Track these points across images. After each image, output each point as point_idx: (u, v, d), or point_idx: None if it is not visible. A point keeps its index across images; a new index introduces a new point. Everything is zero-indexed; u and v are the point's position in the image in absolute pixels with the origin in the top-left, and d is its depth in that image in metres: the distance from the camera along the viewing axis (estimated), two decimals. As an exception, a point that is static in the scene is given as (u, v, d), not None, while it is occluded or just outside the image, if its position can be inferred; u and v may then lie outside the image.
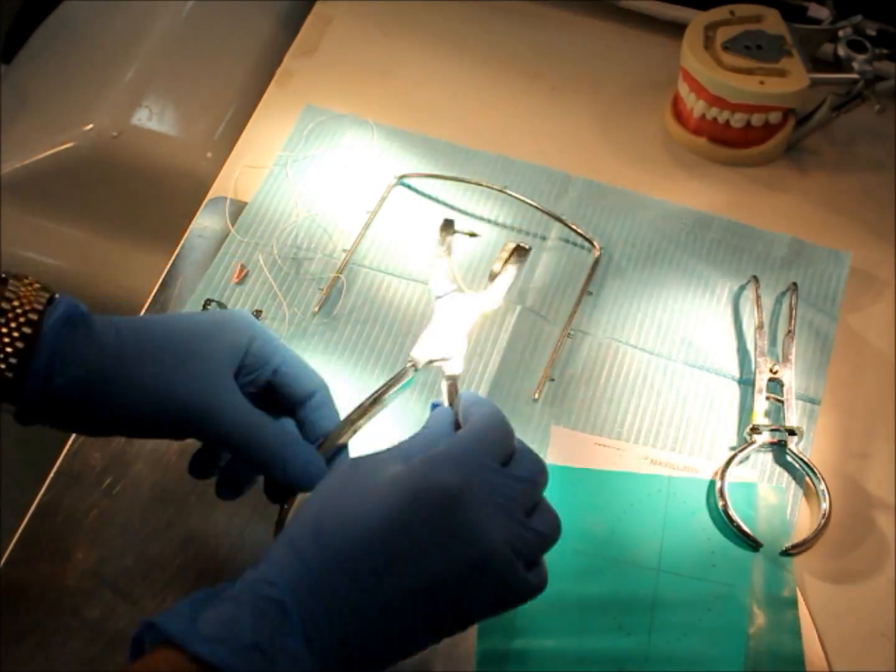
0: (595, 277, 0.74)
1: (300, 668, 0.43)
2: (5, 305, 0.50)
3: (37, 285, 0.52)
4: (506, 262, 0.62)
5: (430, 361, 0.58)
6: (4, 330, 0.49)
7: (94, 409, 0.52)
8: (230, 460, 0.58)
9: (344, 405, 0.68)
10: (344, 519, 0.46)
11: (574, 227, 0.76)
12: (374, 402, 0.57)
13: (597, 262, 0.74)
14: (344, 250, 0.74)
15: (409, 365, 0.58)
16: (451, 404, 0.54)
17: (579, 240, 0.76)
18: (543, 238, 0.76)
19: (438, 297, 0.61)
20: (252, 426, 0.53)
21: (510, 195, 0.77)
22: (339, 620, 0.44)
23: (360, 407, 0.57)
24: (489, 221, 0.77)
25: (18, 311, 0.50)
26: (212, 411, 0.52)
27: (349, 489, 0.48)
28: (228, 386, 0.53)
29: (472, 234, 0.71)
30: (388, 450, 0.51)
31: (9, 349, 0.49)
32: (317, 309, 0.71)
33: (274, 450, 0.53)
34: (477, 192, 0.78)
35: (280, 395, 0.56)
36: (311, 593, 0.44)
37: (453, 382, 0.56)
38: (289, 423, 0.57)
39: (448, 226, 0.65)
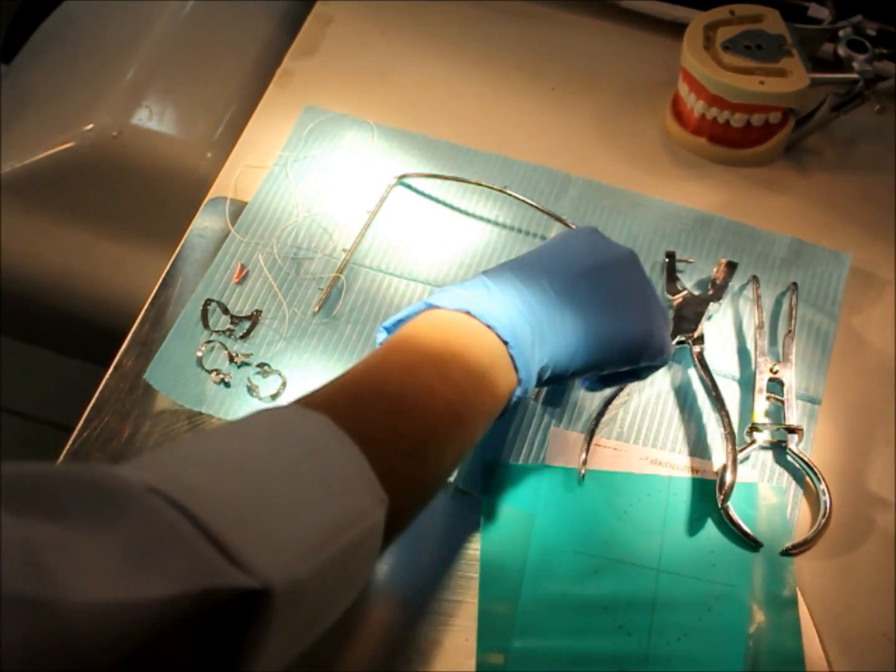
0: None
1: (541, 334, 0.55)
2: None
3: None
4: (723, 272, 0.74)
5: (681, 341, 0.70)
6: None
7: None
8: None
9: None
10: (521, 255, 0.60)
11: (574, 227, 0.76)
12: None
13: None
14: (344, 250, 0.74)
15: None
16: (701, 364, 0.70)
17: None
18: (544, 238, 0.76)
19: (674, 296, 0.73)
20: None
21: (510, 195, 0.77)
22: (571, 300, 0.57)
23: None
24: (490, 221, 0.77)
25: None
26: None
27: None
28: None
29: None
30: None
31: None
32: (317, 308, 0.71)
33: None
34: (477, 192, 0.78)
35: None
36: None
37: (698, 344, 0.71)
38: None
39: (671, 258, 0.75)
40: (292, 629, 0.39)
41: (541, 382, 0.56)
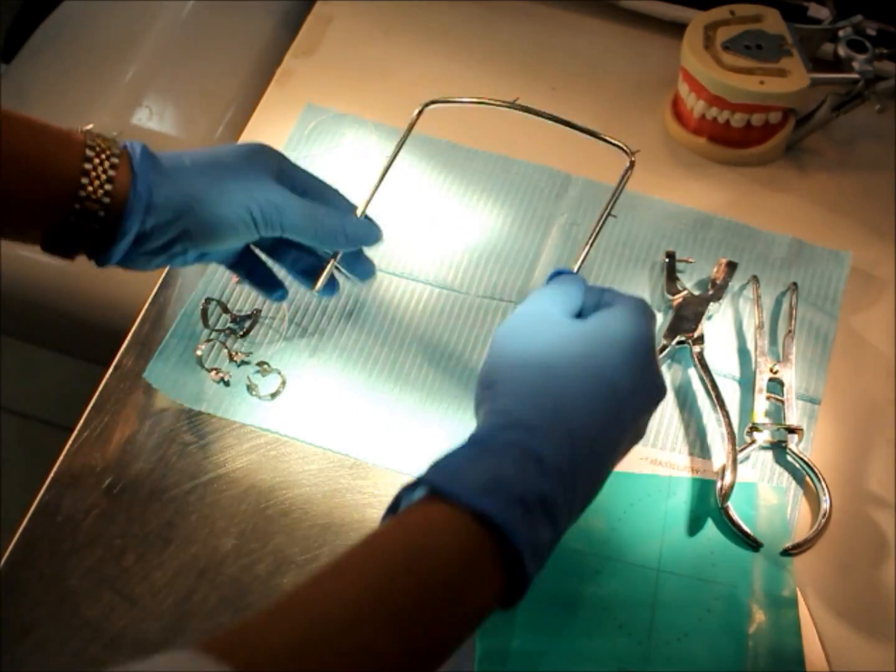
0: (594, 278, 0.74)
1: (555, 518, 0.47)
2: (90, 146, 0.55)
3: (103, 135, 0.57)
4: (723, 272, 0.73)
5: (681, 341, 0.70)
6: (98, 161, 0.55)
7: (188, 226, 0.58)
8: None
9: (346, 404, 0.68)
10: (568, 369, 0.51)
11: (604, 136, 0.68)
12: None
13: (631, 167, 0.66)
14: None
15: (664, 343, 0.70)
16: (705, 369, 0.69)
17: (579, 236, 0.76)
18: (544, 234, 0.76)
19: (674, 296, 0.72)
20: (310, 207, 0.62)
21: (523, 107, 0.69)
22: (582, 462, 0.48)
23: None
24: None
25: (104, 150, 0.56)
26: (286, 203, 0.61)
27: (546, 339, 0.53)
28: (280, 188, 0.62)
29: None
30: (532, 301, 0.56)
31: (104, 176, 0.55)
32: (316, 289, 0.67)
33: (334, 222, 0.63)
34: (478, 192, 0.78)
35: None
36: (560, 441, 0.48)
37: (698, 344, 0.70)
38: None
39: (671, 258, 0.74)
40: None
41: None
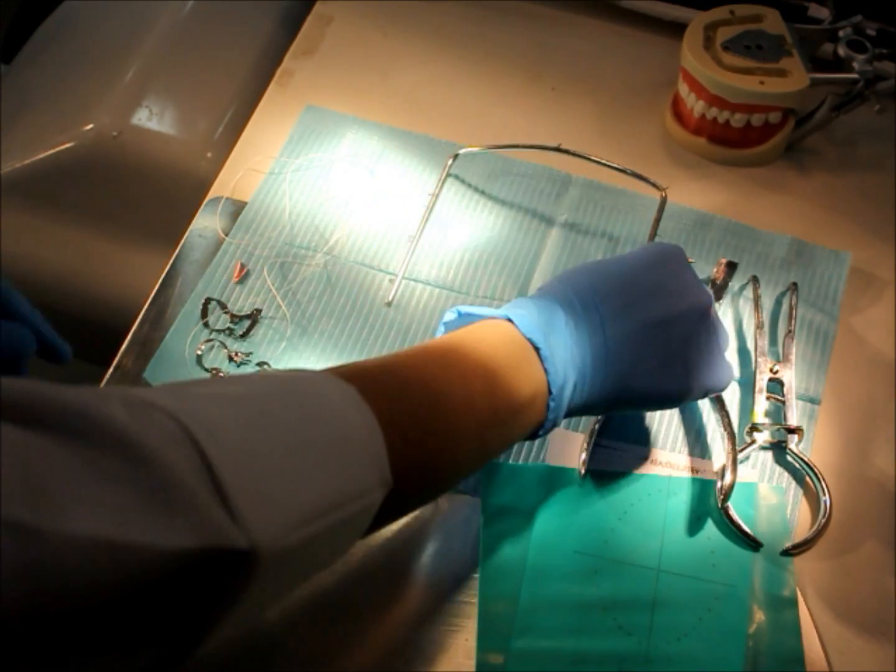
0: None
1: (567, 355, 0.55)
2: None
3: None
4: (723, 272, 0.74)
5: None
6: None
7: None
8: None
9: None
10: (600, 272, 0.59)
11: (638, 172, 0.77)
12: None
13: (664, 202, 0.76)
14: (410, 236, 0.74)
15: None
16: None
17: (579, 236, 0.76)
18: (544, 234, 0.76)
19: None
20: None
21: (566, 151, 0.78)
22: (602, 333, 0.56)
23: None
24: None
25: None
26: None
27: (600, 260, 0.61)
28: None
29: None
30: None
31: None
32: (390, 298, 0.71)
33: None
34: (478, 192, 0.78)
35: None
36: (588, 305, 0.57)
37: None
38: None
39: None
40: (269, 589, 0.40)
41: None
